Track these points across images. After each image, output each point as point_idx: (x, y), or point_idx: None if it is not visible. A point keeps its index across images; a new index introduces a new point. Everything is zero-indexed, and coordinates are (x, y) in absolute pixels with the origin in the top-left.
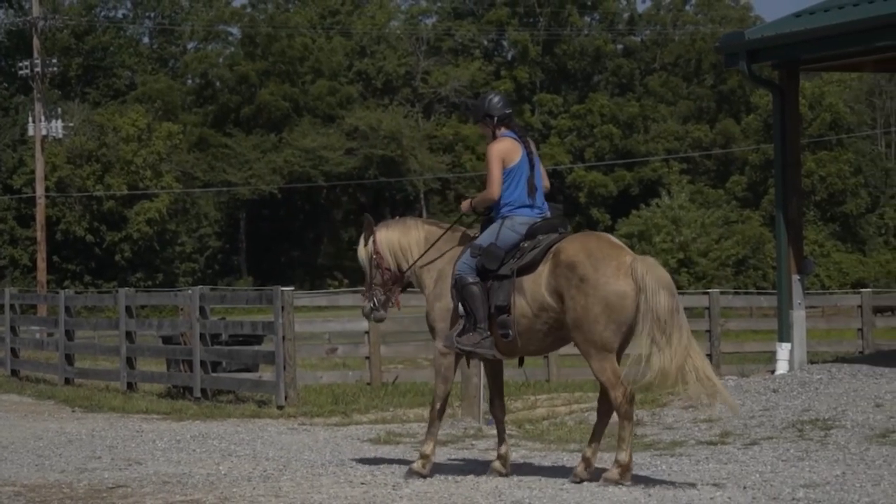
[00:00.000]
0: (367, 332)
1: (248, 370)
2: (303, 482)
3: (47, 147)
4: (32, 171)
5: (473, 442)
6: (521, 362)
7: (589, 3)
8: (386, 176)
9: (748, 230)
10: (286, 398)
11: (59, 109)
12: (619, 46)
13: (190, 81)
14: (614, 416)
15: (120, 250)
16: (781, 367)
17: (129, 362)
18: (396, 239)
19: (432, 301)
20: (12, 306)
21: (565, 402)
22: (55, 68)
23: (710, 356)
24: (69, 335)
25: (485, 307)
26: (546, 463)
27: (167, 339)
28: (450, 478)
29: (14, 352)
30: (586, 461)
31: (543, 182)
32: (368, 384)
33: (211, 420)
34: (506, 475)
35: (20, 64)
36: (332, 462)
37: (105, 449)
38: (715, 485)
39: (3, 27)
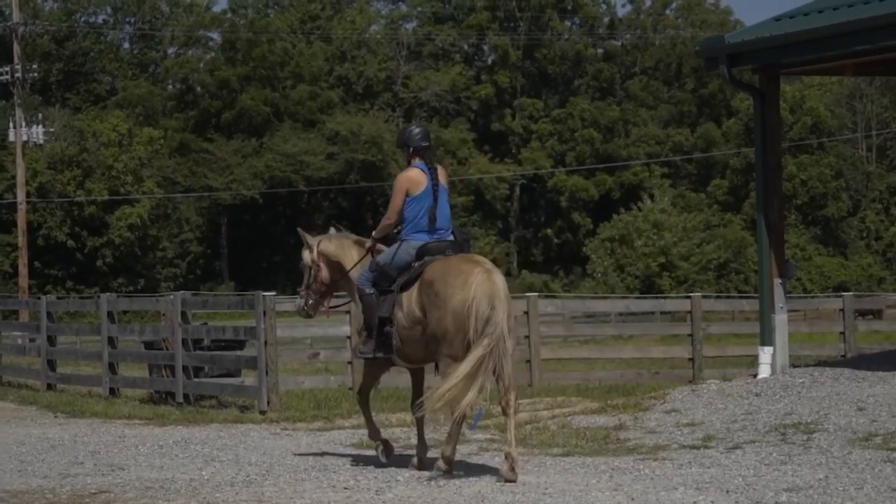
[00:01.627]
0: (349, 337)
1: (230, 375)
2: (286, 487)
3: (28, 153)
4: (13, 177)
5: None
6: (437, 368)
7: (569, 8)
8: (367, 181)
9: (730, 234)
10: (268, 403)
11: (40, 115)
12: (600, 51)
13: (171, 87)
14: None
15: (101, 255)
16: (764, 371)
17: (112, 367)
18: (333, 251)
19: (357, 314)
20: None
21: (548, 407)
22: (35, 74)
23: (692, 360)
24: (51, 340)
25: (376, 319)
26: (529, 467)
27: (149, 345)
28: (432, 482)
29: None
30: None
31: (447, 212)
32: (350, 389)
33: (193, 425)
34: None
35: (1, 70)
36: (314, 467)
37: (88, 454)
38: (697, 489)
39: None
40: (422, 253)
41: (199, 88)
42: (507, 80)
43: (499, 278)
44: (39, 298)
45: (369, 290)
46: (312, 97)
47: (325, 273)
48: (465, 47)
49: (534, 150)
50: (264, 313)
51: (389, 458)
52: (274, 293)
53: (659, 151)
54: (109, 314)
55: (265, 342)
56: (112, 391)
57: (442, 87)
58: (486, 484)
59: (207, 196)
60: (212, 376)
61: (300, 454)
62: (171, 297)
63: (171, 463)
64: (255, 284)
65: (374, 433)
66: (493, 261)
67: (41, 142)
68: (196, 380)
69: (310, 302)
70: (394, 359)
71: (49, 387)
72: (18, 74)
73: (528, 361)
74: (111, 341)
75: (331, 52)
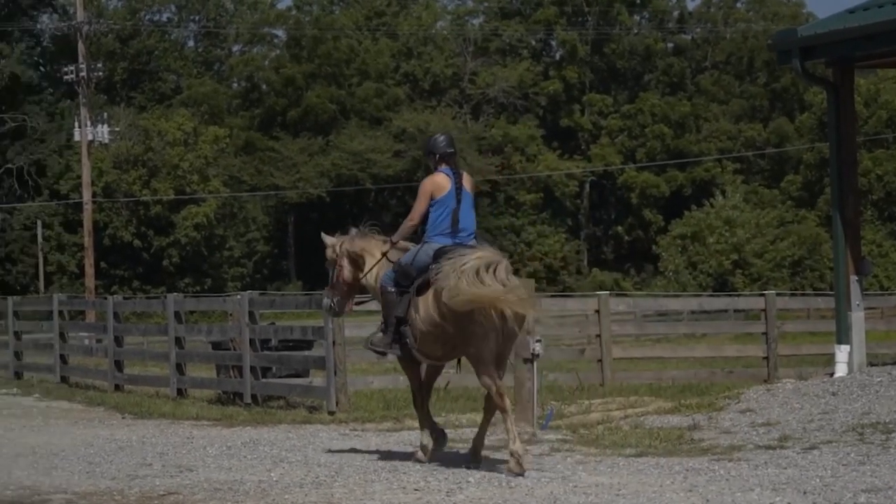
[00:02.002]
0: None
1: (298, 375)
2: (355, 489)
3: (93, 152)
4: (79, 177)
5: (527, 447)
6: (459, 364)
7: (638, 2)
8: None
9: (804, 230)
10: (337, 404)
11: (105, 114)
12: (670, 45)
13: (235, 85)
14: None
15: (168, 255)
16: (840, 370)
17: (179, 368)
18: (355, 250)
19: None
20: (61, 312)
21: (620, 407)
22: (100, 73)
23: (766, 359)
24: (118, 341)
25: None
26: (602, 468)
27: (217, 345)
28: (503, 483)
29: (63, 358)
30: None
31: (471, 216)
32: None
33: (262, 426)
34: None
35: (65, 69)
36: (384, 468)
37: (156, 456)
38: (774, 490)
39: (48, 32)
40: (438, 255)
41: (264, 86)
42: (575, 76)
43: (497, 260)
44: (106, 299)
45: (391, 288)
46: (379, 94)
47: (346, 272)
48: (533, 43)
49: (603, 147)
50: None
51: (427, 459)
52: None
53: (731, 147)
54: (176, 314)
55: (333, 342)
56: (180, 392)
57: (509, 83)
58: (559, 485)
59: (274, 195)
60: (280, 377)
61: (369, 454)
62: (239, 296)
63: (240, 464)
64: (323, 283)
65: (425, 440)
66: (563, 258)
67: (106, 141)
68: (264, 380)
69: (336, 300)
70: (415, 354)
71: (116, 388)
72: (83, 73)
73: (600, 361)
74: (178, 342)
75: (397, 48)
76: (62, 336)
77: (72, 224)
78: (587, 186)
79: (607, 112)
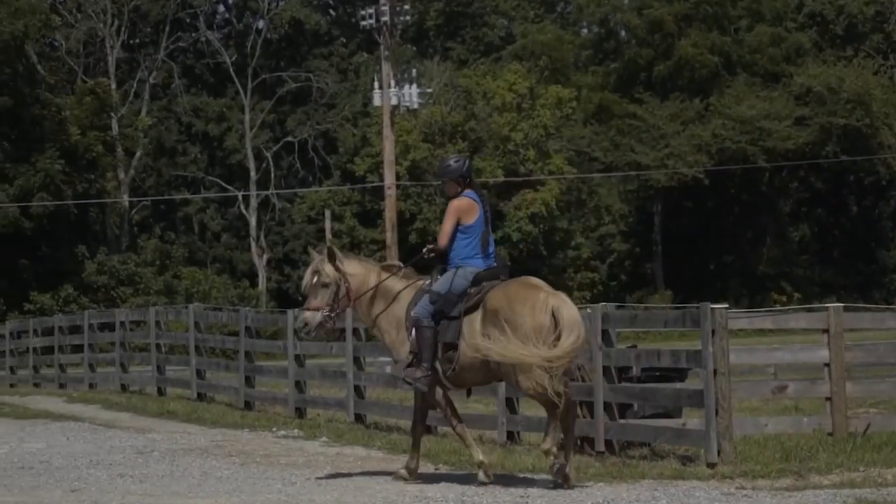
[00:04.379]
0: (827, 365)
1: (667, 415)
2: None
3: (398, 121)
4: (379, 153)
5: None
6: (468, 393)
7: None
8: (849, 153)
9: None
10: (719, 453)
11: (414, 71)
12: None
13: (585, 31)
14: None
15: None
16: None
17: (510, 404)
18: (356, 273)
19: (398, 346)
20: (355, 330)
21: None
22: (408, 17)
23: None
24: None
25: (432, 350)
26: None
27: None
28: None
29: (359, 391)
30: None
31: (492, 239)
32: (830, 434)
33: (619, 482)
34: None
35: (363, 13)
36: None
37: None
38: None
39: None
40: (478, 279)
41: (623, 33)
42: None
43: (565, 300)
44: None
45: (428, 323)
46: (775, 42)
47: (342, 293)
48: None
49: None
50: (713, 332)
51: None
52: (726, 305)
53: None
54: None
55: (714, 371)
56: (510, 436)
57: None
58: None
59: (635, 176)
60: (643, 416)
61: None
62: (588, 310)
63: None
64: (700, 294)
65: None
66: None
67: (415, 106)
68: (622, 421)
69: (325, 320)
70: (444, 380)
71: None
72: (385, 18)
73: (829, 399)
74: None
75: None
76: (357, 362)
77: (369, 215)
78: None
79: None
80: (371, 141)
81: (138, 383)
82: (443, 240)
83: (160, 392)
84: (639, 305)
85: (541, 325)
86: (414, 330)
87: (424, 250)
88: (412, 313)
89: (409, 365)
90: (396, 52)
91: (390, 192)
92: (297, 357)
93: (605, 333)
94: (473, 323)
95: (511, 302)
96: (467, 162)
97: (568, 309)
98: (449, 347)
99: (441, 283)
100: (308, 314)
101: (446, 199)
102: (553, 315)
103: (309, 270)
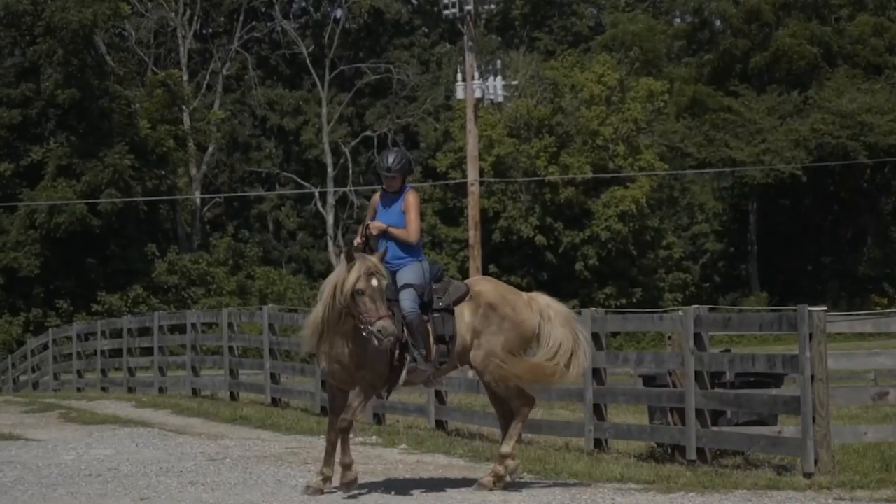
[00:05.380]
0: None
1: (762, 423)
2: None
3: (482, 115)
4: (462, 148)
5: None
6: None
7: None
8: None
9: None
10: (816, 462)
11: (499, 63)
12: None
13: (678, 20)
14: None
15: (582, 256)
16: None
17: (597, 410)
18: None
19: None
20: None
21: None
22: (493, 6)
23: None
24: None
25: (427, 336)
26: None
27: (649, 380)
28: None
29: (439, 396)
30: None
31: None
32: None
33: (711, 492)
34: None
35: (445, 1)
36: None
37: None
38: None
39: None
40: (437, 275)
41: (718, 22)
42: None
43: (549, 298)
44: None
45: (420, 319)
46: (877, 32)
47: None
48: None
49: None
50: (811, 336)
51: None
52: (824, 308)
53: None
54: (594, 336)
55: (812, 376)
56: (598, 443)
57: None
58: None
59: (730, 173)
60: (737, 424)
61: None
62: (681, 313)
63: None
64: (796, 296)
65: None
66: None
67: (500, 99)
68: (715, 429)
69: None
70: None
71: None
72: (469, 7)
73: None
74: (596, 374)
75: None
76: None
77: (451, 213)
78: None
79: None
80: (454, 135)
81: (210, 387)
82: (414, 234)
83: (232, 397)
84: (733, 308)
85: (536, 325)
86: (406, 327)
87: (357, 242)
88: (405, 315)
89: (411, 370)
90: (480, 43)
91: (473, 189)
92: None
93: (697, 337)
94: (462, 316)
95: (509, 300)
96: (409, 156)
97: (556, 306)
98: (442, 341)
99: (416, 277)
100: (387, 322)
101: (392, 192)
102: (540, 315)
103: (359, 275)
